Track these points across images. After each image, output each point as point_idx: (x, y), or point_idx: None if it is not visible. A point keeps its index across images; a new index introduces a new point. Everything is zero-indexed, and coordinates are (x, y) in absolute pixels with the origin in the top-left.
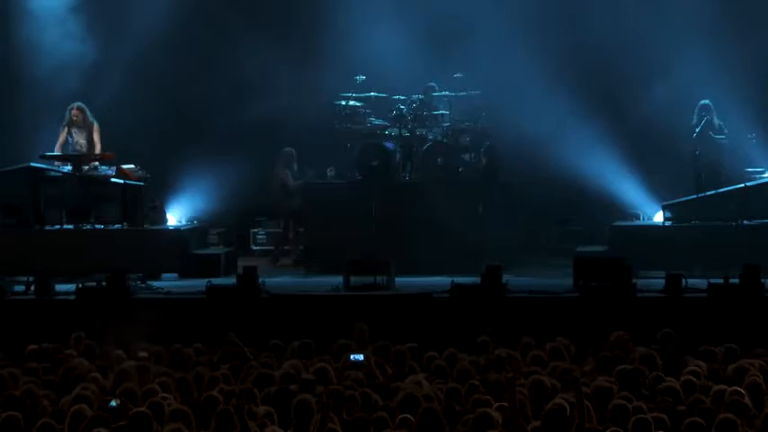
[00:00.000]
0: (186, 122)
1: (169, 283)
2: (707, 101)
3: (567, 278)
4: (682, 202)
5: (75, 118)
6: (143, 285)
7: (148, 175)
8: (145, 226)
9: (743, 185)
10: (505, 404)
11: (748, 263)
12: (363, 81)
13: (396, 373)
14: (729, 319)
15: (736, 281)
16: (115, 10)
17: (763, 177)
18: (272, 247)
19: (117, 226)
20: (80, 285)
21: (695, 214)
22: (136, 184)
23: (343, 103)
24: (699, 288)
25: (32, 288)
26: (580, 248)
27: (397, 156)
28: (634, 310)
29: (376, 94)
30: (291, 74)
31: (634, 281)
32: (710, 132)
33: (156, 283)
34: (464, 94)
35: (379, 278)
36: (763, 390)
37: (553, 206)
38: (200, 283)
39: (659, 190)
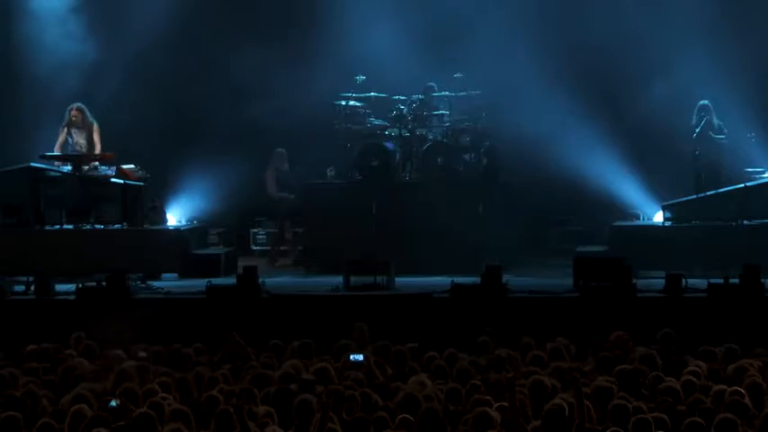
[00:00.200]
0: (186, 122)
1: (169, 283)
2: (706, 101)
3: (567, 278)
4: (682, 202)
5: (74, 118)
6: (143, 285)
7: (148, 175)
8: (145, 226)
9: (743, 185)
10: (505, 404)
11: (748, 263)
12: (363, 81)
13: (396, 374)
14: (729, 319)
15: (736, 281)
16: (115, 10)
17: (763, 177)
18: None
19: (117, 226)
20: (80, 285)
21: (695, 214)
22: (136, 184)
23: (343, 103)
24: (699, 288)
25: (32, 288)
26: (580, 248)
27: (397, 156)
28: (634, 310)
29: (376, 94)
30: (291, 74)
31: (634, 281)
32: (710, 132)
33: (156, 283)
34: (464, 94)
35: (379, 278)
36: (763, 390)
37: (553, 206)
38: (200, 283)
39: (659, 190)
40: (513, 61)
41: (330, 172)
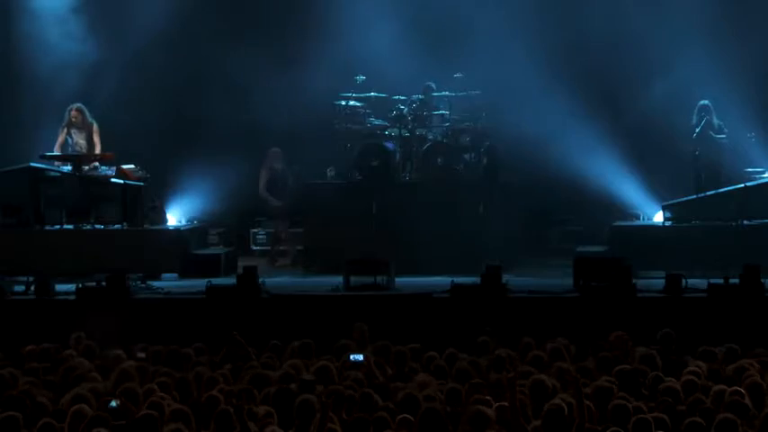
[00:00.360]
0: (186, 122)
1: (169, 283)
2: (707, 101)
3: (567, 278)
4: (682, 202)
5: (74, 119)
6: (143, 285)
7: (148, 175)
8: (145, 226)
9: (743, 185)
10: (506, 404)
11: (748, 263)
12: (363, 81)
13: (396, 374)
14: (729, 319)
15: (737, 281)
16: (116, 11)
17: (763, 177)
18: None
19: (117, 226)
20: (80, 285)
21: (695, 214)
22: (136, 184)
23: (343, 103)
24: (699, 288)
25: (32, 288)
26: (580, 248)
27: (397, 156)
28: (634, 310)
29: (376, 94)
30: (291, 74)
31: (634, 281)
32: (710, 132)
33: (156, 283)
34: (464, 94)
35: (379, 278)
36: (764, 390)
37: (553, 206)
38: (200, 283)
39: (659, 190)
40: (513, 61)
41: (330, 172)
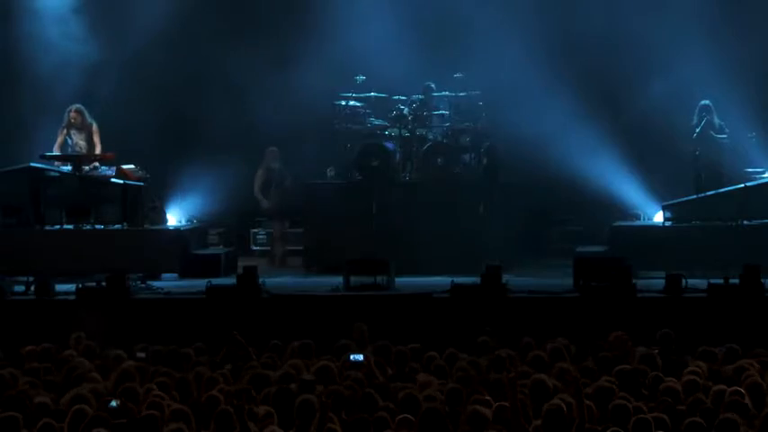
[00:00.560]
0: (186, 122)
1: (169, 283)
2: (707, 101)
3: (567, 278)
4: (682, 202)
5: (73, 120)
6: (143, 285)
7: (148, 176)
8: (145, 226)
9: (743, 185)
10: (506, 404)
11: (748, 263)
12: (363, 81)
13: (396, 374)
14: (729, 320)
15: (736, 281)
16: (116, 11)
17: (763, 177)
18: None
19: (117, 226)
20: (80, 285)
21: (695, 214)
22: (136, 185)
23: (343, 103)
24: (699, 288)
25: (32, 288)
26: (580, 248)
27: (397, 156)
28: (634, 310)
29: (376, 94)
30: (291, 74)
31: (634, 281)
32: (711, 132)
33: (156, 283)
34: (464, 94)
35: (379, 278)
36: (764, 390)
37: (553, 206)
38: (200, 283)
39: (659, 190)
40: (513, 61)
41: (330, 172)
